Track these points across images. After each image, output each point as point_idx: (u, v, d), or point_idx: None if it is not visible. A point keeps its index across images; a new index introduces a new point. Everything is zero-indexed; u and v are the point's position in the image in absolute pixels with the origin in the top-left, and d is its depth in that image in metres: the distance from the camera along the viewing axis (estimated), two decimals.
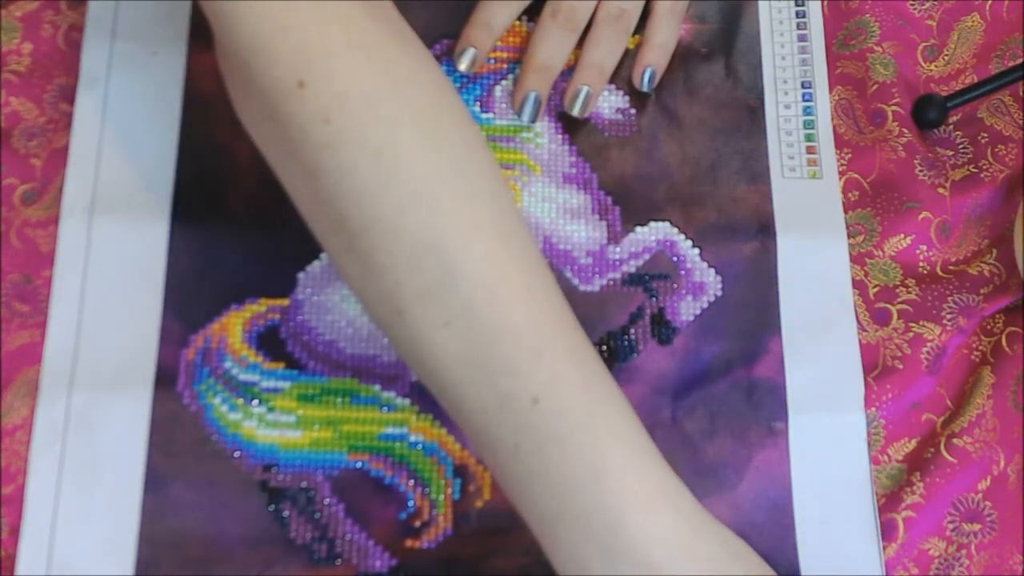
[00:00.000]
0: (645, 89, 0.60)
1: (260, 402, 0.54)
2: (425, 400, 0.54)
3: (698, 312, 0.57)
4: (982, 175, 0.60)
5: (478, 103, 0.60)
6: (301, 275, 0.55)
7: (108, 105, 0.58)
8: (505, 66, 0.61)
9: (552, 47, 0.59)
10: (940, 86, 0.62)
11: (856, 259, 0.58)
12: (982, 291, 0.57)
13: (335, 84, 0.42)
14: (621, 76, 0.60)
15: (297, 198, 0.45)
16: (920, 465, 0.54)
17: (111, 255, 0.55)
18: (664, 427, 0.54)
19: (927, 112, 0.60)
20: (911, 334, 0.56)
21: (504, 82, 0.60)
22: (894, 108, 0.60)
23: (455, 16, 0.61)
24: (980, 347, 0.57)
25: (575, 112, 0.59)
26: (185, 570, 0.51)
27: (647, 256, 0.57)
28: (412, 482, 0.53)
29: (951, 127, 0.61)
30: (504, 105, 0.60)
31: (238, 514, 0.52)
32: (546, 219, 0.58)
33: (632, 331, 0.56)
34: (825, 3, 0.63)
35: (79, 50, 0.59)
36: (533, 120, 0.59)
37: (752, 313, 0.56)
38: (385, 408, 0.54)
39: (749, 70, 0.61)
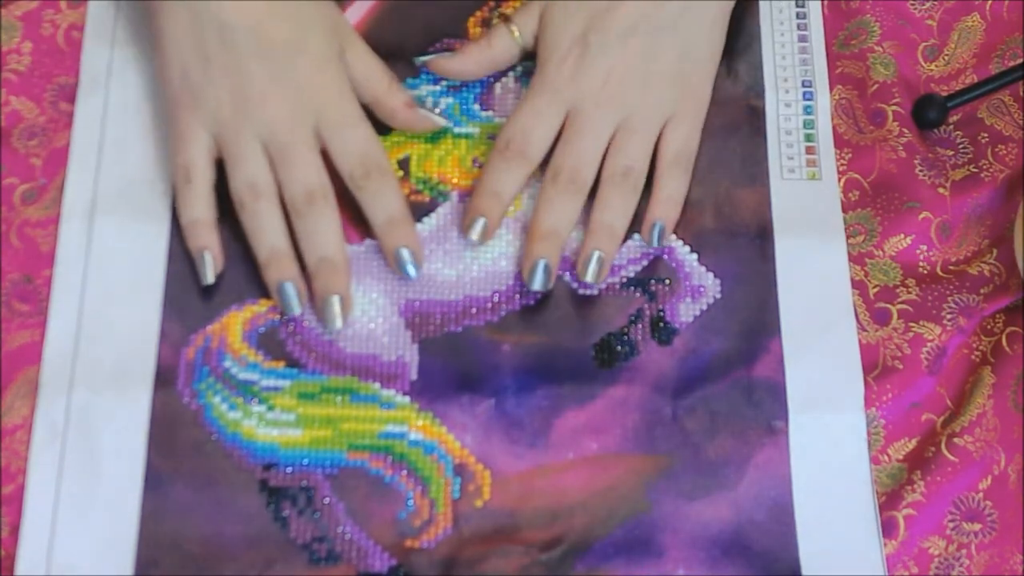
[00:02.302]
0: (655, 246, 0.56)
1: (260, 401, 0.54)
2: (425, 398, 0.54)
3: (697, 314, 0.56)
4: (982, 175, 0.60)
5: (478, 101, 0.60)
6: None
7: (108, 107, 0.58)
8: None
9: (557, 213, 0.55)
10: (940, 86, 0.62)
11: (856, 259, 0.58)
12: (982, 291, 0.57)
13: None
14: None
15: None
16: (921, 464, 0.54)
17: (111, 255, 0.55)
18: (664, 426, 0.54)
19: (927, 112, 0.60)
20: (911, 334, 0.56)
21: (504, 79, 0.60)
22: (894, 108, 0.60)
23: (455, 16, 0.61)
24: (980, 347, 0.57)
25: (589, 278, 0.55)
26: (185, 570, 0.51)
27: (645, 262, 0.57)
28: (412, 481, 0.53)
29: (951, 127, 0.61)
30: (504, 103, 0.60)
31: (238, 513, 0.52)
32: None
33: (632, 332, 0.56)
34: (825, 3, 0.63)
35: (79, 49, 0.59)
36: (545, 288, 0.55)
37: (751, 314, 0.56)
38: (385, 406, 0.54)
39: (749, 69, 0.61)
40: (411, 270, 0.55)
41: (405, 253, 0.55)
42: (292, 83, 0.54)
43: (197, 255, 0.54)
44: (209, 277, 0.54)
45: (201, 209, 0.54)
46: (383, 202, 0.55)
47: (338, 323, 0.54)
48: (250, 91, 0.54)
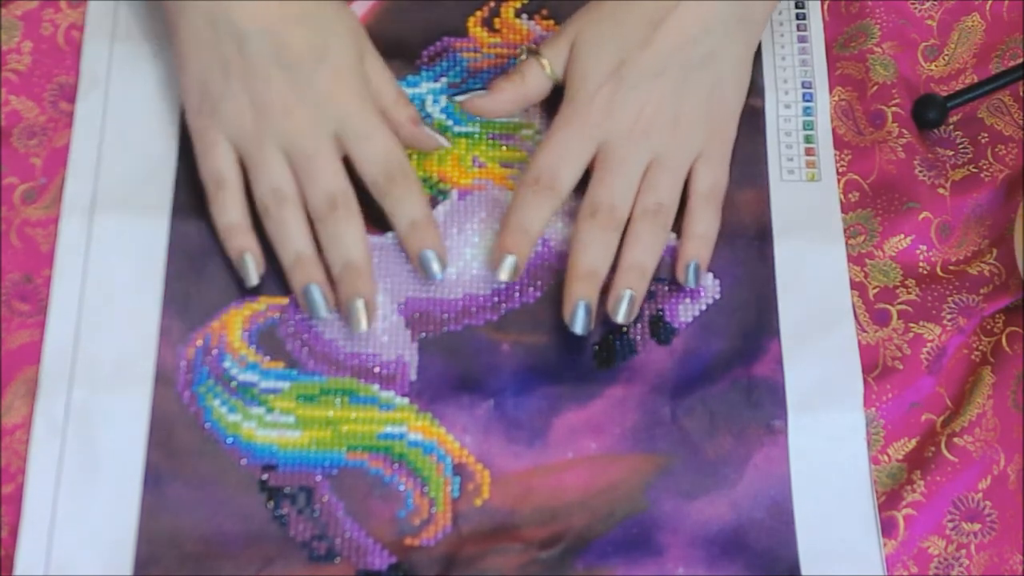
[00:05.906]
0: (691, 285, 0.56)
1: (259, 403, 0.54)
2: (424, 400, 0.54)
3: (696, 314, 0.56)
4: (982, 175, 0.60)
5: None
6: None
7: (108, 105, 0.58)
8: (505, 61, 0.61)
9: (595, 251, 0.54)
10: (940, 86, 0.62)
11: (856, 260, 0.58)
12: (982, 291, 0.57)
13: None
14: None
15: None
16: (920, 464, 0.54)
17: (111, 254, 0.55)
18: (664, 426, 0.54)
19: (927, 112, 0.60)
20: (911, 334, 0.56)
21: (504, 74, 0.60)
22: (894, 109, 0.60)
23: (455, 16, 0.61)
24: (980, 347, 0.57)
25: (620, 319, 0.54)
26: (184, 568, 0.51)
27: None
28: (411, 481, 0.53)
29: (951, 127, 0.61)
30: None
31: (237, 512, 0.52)
32: None
33: (631, 331, 0.56)
34: (826, 6, 0.63)
35: (79, 49, 0.59)
36: (587, 331, 0.54)
37: (750, 315, 0.56)
38: (384, 408, 0.54)
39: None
40: (436, 271, 0.55)
41: (430, 255, 0.55)
42: (313, 92, 0.54)
43: (238, 258, 0.54)
44: (253, 279, 0.54)
45: (236, 213, 0.54)
46: (407, 207, 0.55)
47: (363, 325, 0.54)
48: (270, 101, 0.53)
